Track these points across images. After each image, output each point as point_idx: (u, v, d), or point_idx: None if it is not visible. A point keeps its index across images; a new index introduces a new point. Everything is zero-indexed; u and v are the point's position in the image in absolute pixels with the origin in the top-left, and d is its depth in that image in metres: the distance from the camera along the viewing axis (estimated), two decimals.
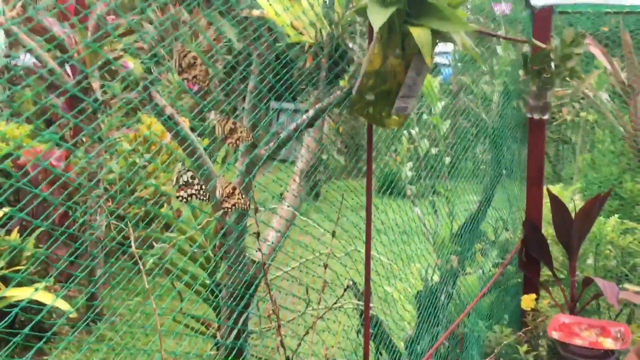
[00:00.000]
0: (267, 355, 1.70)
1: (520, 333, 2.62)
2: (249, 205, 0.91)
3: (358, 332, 2.43)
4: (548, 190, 3.15)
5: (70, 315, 3.71)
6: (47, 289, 3.61)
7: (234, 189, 0.90)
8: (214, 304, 1.62)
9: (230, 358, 1.65)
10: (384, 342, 2.32)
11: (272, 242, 1.58)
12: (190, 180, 0.88)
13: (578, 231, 2.96)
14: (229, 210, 0.90)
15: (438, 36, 1.16)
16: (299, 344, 1.08)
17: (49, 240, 3.98)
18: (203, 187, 0.87)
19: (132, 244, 1.04)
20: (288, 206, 1.73)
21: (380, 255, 2.51)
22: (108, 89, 4.31)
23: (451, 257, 2.87)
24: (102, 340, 3.93)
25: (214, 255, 1.62)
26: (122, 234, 4.05)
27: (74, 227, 3.80)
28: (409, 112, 1.34)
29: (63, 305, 3.39)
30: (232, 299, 1.60)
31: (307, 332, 1.05)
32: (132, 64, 4.22)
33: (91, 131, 3.93)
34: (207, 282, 1.68)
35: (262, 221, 1.87)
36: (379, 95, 1.29)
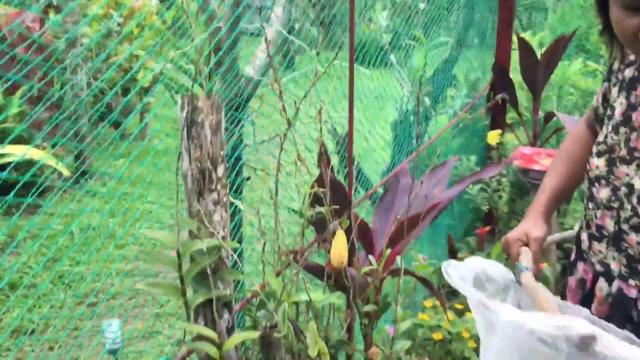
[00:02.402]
0: (261, 166, 1.90)
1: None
2: None
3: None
4: (517, 34, 3.29)
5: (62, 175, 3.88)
6: (36, 148, 3.73)
7: None
8: None
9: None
10: (360, 180, 2.55)
11: (263, 61, 1.72)
12: None
13: (543, 70, 3.15)
14: None
15: None
16: (295, 114, 1.22)
17: (33, 102, 4.05)
18: None
19: None
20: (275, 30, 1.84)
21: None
22: None
23: (424, 99, 3.06)
24: (93, 195, 4.15)
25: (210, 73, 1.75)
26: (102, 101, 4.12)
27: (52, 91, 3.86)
28: None
29: (52, 162, 3.54)
30: (228, 108, 1.76)
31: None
32: None
33: None
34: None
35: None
36: None
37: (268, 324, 1.02)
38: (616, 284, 1.04)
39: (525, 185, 2.97)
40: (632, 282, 1.01)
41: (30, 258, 3.28)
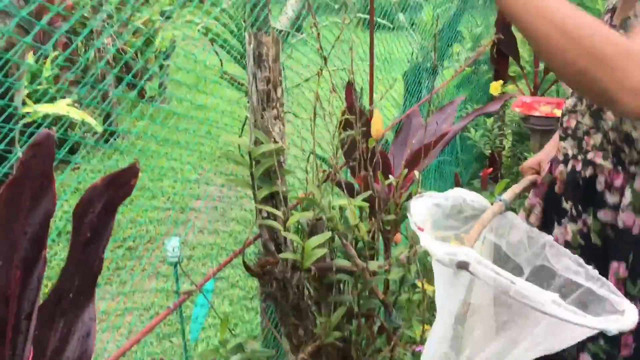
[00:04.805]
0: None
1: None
2: None
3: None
4: None
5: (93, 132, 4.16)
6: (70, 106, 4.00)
7: None
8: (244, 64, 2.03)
9: None
10: None
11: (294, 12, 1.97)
12: None
13: None
14: None
15: None
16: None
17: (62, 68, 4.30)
18: None
19: None
20: None
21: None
22: None
23: (431, 54, 3.30)
24: (121, 153, 4.43)
25: (244, 23, 2.00)
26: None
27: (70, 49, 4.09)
28: None
29: (90, 120, 3.82)
30: None
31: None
32: None
33: None
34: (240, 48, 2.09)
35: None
36: None
37: (314, 217, 1.30)
38: (571, 163, 1.26)
39: (525, 131, 3.23)
40: (579, 157, 1.23)
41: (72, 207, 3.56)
